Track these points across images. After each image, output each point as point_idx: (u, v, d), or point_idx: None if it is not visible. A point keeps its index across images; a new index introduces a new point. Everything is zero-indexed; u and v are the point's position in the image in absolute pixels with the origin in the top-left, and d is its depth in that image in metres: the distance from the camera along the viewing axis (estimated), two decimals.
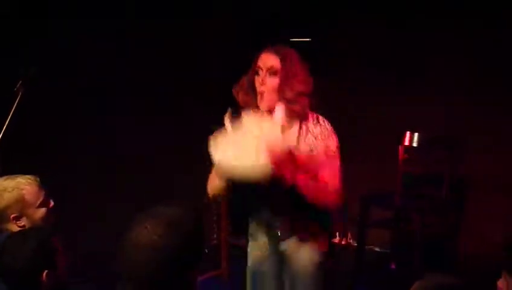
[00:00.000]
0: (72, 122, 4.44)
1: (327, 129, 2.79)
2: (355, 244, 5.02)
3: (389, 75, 4.99)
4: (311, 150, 2.73)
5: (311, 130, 2.77)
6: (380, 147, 4.96)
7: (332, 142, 2.78)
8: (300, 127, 2.76)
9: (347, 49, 5.16)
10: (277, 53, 2.72)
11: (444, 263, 4.53)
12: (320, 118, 2.81)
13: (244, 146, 2.51)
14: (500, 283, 2.17)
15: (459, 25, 4.66)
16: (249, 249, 2.99)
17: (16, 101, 3.46)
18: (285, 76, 2.69)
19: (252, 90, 2.76)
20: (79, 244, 2.67)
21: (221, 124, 2.70)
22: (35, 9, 4.22)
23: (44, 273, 2.27)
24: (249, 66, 2.81)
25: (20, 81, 3.49)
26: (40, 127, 4.22)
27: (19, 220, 2.66)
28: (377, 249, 4.99)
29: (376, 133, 5.02)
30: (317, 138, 2.75)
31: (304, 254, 2.83)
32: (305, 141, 2.74)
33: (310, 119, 2.79)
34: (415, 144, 4.62)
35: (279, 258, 2.87)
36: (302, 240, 2.82)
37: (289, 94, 2.69)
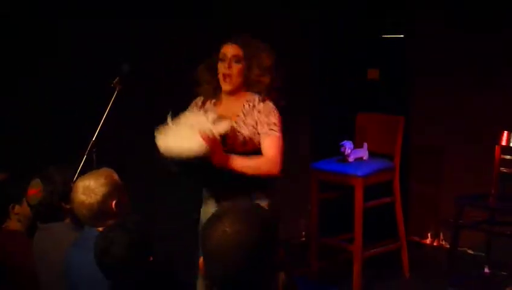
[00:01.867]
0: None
1: (269, 106, 3.27)
2: (448, 246, 4.91)
3: (485, 74, 4.85)
4: (256, 123, 3.23)
5: (255, 107, 3.27)
6: (476, 147, 4.83)
7: (274, 118, 3.25)
8: (248, 103, 3.28)
9: (439, 46, 5.05)
10: (237, 43, 3.26)
11: None
12: (267, 99, 3.30)
13: (181, 133, 3.00)
14: None
15: (475, 21, 4.51)
16: (201, 214, 3.38)
17: (113, 97, 3.57)
18: (247, 61, 3.25)
19: (214, 75, 3.29)
20: None
21: None
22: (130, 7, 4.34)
23: (151, 259, 2.34)
24: None
25: (118, 77, 3.59)
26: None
27: (119, 206, 2.73)
28: (470, 251, 4.86)
29: (472, 133, 4.89)
30: (261, 112, 3.25)
31: None
32: (251, 116, 3.24)
33: (257, 98, 3.30)
34: None
35: None
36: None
37: (252, 76, 3.26)
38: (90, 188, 2.70)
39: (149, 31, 4.77)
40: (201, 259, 1.71)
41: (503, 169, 4.47)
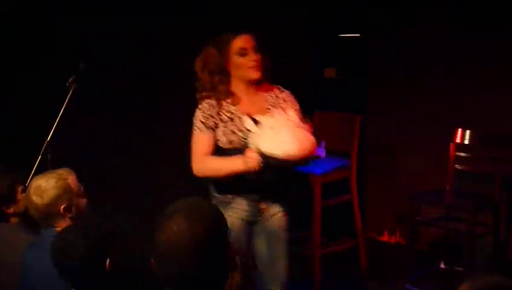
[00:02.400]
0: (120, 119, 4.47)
1: (290, 93, 3.33)
2: (405, 243, 4.98)
3: (438, 71, 4.92)
4: (285, 110, 3.16)
5: (279, 96, 3.28)
6: (432, 145, 4.90)
7: (297, 104, 3.30)
8: (270, 95, 3.27)
9: (395, 44, 5.11)
10: (251, 34, 3.22)
11: (495, 262, 4.45)
12: (281, 87, 3.33)
13: (282, 136, 2.93)
14: None
15: (475, 21, 4.57)
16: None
17: (68, 96, 3.51)
18: (262, 52, 3.20)
19: (224, 73, 3.20)
20: None
21: None
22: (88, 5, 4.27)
23: (108, 261, 2.31)
24: None
25: (73, 76, 3.54)
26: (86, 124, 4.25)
27: (69, 211, 2.71)
28: (427, 247, 4.92)
29: (427, 130, 4.96)
30: (286, 100, 3.27)
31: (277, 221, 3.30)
32: (277, 105, 3.22)
33: (276, 88, 3.31)
34: (466, 142, 4.55)
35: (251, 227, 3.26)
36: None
37: (266, 64, 3.22)
38: (40, 189, 2.69)
39: (149, 31, 4.71)
40: (152, 260, 1.72)
41: (457, 166, 4.55)
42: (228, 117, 3.16)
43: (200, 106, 3.20)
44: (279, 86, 3.33)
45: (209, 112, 3.16)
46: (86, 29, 4.38)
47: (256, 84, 3.23)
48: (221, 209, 3.05)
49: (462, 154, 4.56)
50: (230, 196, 3.19)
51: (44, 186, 2.69)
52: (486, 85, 4.70)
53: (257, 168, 2.96)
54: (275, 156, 2.89)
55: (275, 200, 3.26)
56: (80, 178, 2.82)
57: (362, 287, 4.64)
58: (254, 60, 3.16)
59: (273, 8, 5.11)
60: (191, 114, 3.19)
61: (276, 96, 3.28)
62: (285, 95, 3.30)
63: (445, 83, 4.89)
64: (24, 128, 4.11)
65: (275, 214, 3.28)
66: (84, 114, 4.10)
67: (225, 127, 3.14)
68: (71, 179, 2.76)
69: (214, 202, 3.19)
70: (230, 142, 3.12)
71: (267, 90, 3.28)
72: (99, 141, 4.34)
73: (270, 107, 3.21)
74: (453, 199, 4.50)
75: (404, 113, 5.11)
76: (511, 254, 4.63)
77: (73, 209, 2.73)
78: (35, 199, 2.68)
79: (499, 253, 4.49)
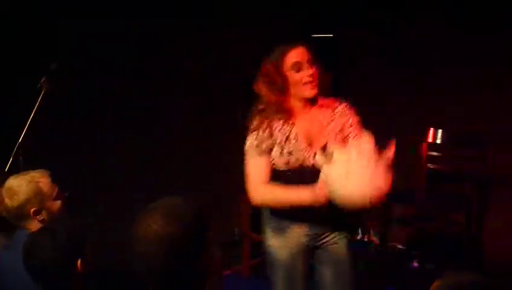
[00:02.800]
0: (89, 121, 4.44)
1: (350, 107, 3.10)
2: (378, 242, 5.01)
3: (410, 73, 4.96)
4: (344, 125, 3.03)
5: (341, 112, 3.06)
6: (404, 144, 4.93)
7: (356, 117, 3.10)
8: (328, 110, 3.04)
9: (367, 44, 5.14)
10: (305, 47, 2.98)
11: (467, 261, 4.49)
12: (341, 100, 3.10)
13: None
14: None
15: (475, 21, 4.62)
16: (274, 244, 3.10)
17: (40, 97, 3.48)
18: (317, 64, 2.98)
19: (282, 90, 2.95)
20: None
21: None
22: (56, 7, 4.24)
23: (79, 262, 2.29)
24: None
25: (44, 77, 3.51)
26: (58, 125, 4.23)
27: (39, 214, 2.70)
28: (399, 246, 4.96)
29: (399, 130, 4.99)
30: (350, 118, 3.07)
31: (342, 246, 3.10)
32: (338, 120, 3.03)
33: (335, 103, 3.07)
34: (438, 141, 4.59)
35: (312, 253, 3.08)
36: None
37: (323, 78, 2.99)
38: (11, 191, 2.68)
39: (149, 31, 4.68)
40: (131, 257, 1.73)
41: (429, 165, 4.59)
42: (284, 137, 2.95)
43: (252, 128, 2.99)
44: (339, 99, 3.09)
45: (263, 135, 2.95)
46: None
47: (314, 100, 3.01)
48: (277, 235, 3.03)
49: (434, 153, 4.60)
50: (288, 222, 3.02)
51: (15, 189, 2.68)
52: (458, 85, 4.75)
53: (325, 204, 2.78)
54: (343, 204, 2.72)
55: (337, 225, 3.07)
56: (54, 179, 2.80)
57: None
58: (309, 75, 2.93)
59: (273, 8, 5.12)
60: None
61: (338, 112, 3.05)
62: (345, 109, 3.07)
63: (417, 82, 4.93)
64: None
65: (337, 238, 3.09)
66: (58, 115, 4.07)
67: (281, 148, 2.95)
68: (44, 181, 2.73)
69: (268, 227, 3.09)
70: (287, 163, 2.94)
71: (326, 106, 3.05)
72: (74, 141, 4.31)
73: (327, 123, 3.01)
74: (425, 197, 4.54)
75: (377, 112, 5.13)
76: (483, 252, 4.68)
77: (44, 212, 2.71)
78: (6, 200, 2.68)
79: (471, 251, 4.54)
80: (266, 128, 2.96)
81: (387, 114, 5.05)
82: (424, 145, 4.60)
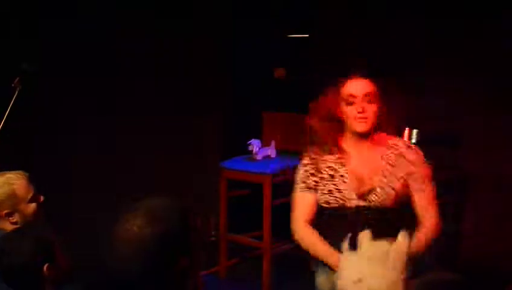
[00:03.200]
0: (67, 121, 4.40)
1: (420, 155, 2.85)
2: None
3: (387, 72, 4.98)
4: (407, 175, 2.78)
5: (401, 153, 2.82)
6: None
7: (426, 168, 2.83)
8: (392, 152, 2.82)
9: (342, 44, 5.16)
10: (369, 80, 2.78)
11: (445, 261, 4.53)
12: (405, 141, 2.91)
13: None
14: None
15: (456, 22, 4.66)
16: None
17: (14, 98, 3.44)
18: (382, 103, 2.76)
19: (336, 122, 2.80)
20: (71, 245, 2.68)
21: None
22: (33, 6, 4.19)
23: (45, 267, 2.27)
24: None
25: (18, 78, 3.46)
26: (34, 124, 4.18)
27: (12, 216, 2.68)
28: None
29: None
30: (413, 163, 2.80)
31: None
32: (400, 167, 2.79)
33: (401, 143, 2.85)
34: (413, 141, 4.62)
35: None
36: None
37: (384, 116, 2.77)
38: None
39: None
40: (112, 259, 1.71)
41: None
42: (329, 174, 2.80)
43: (303, 162, 2.88)
44: (403, 140, 2.92)
45: (310, 170, 2.83)
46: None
47: (372, 138, 2.80)
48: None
49: None
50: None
51: None
52: (431, 85, 4.79)
53: None
54: None
55: None
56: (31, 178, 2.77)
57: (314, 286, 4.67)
58: (361, 111, 2.72)
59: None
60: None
61: (401, 153, 2.81)
62: (413, 156, 2.81)
63: (387, 82, 4.95)
64: None
65: None
66: (32, 115, 4.02)
67: (324, 185, 2.80)
68: (19, 184, 2.70)
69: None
70: (327, 203, 2.78)
71: (387, 145, 2.83)
72: (47, 143, 4.26)
73: (387, 166, 2.78)
74: None
75: None
76: (460, 252, 4.73)
77: (16, 214, 2.69)
78: None
79: (448, 251, 4.58)
80: (315, 164, 2.83)
81: None
82: None
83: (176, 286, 1.69)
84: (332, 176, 2.79)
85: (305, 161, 2.87)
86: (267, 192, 4.35)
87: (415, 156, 2.81)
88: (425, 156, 2.85)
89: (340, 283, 2.28)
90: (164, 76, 4.80)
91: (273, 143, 4.65)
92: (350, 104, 2.74)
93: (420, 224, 2.78)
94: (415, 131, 4.60)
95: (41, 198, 2.78)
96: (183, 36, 4.90)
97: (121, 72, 4.50)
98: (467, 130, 4.57)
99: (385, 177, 2.76)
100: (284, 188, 4.54)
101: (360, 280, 2.19)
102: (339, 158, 2.81)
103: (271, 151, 4.63)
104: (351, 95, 2.75)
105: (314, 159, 2.84)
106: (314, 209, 2.83)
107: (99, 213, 4.24)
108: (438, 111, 4.73)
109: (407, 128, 4.60)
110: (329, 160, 2.82)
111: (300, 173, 2.87)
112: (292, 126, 4.65)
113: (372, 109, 2.73)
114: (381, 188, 2.75)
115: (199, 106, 5.03)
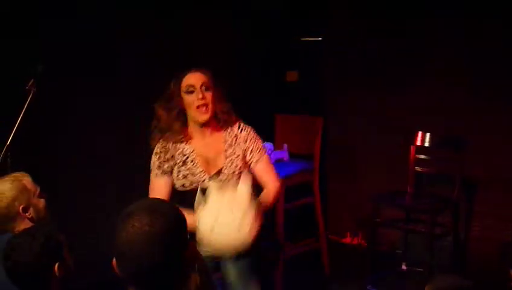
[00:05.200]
0: (67, 121, 4.41)
1: (252, 132, 3.22)
2: (366, 244, 5.02)
3: (400, 76, 4.98)
4: (243, 153, 3.15)
5: (236, 135, 3.18)
6: (391, 147, 4.95)
7: (259, 142, 3.23)
8: (229, 135, 3.17)
9: (355, 48, 5.16)
10: (203, 72, 3.12)
11: (455, 263, 4.51)
12: (242, 124, 3.22)
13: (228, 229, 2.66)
14: None
15: (462, 24, 4.64)
16: None
17: (28, 100, 3.45)
18: (215, 90, 3.11)
19: (181, 111, 3.11)
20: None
21: None
22: (36, 7, 4.20)
23: (56, 266, 2.29)
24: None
25: (32, 80, 3.48)
26: (44, 126, 4.20)
27: (28, 211, 2.72)
28: (388, 249, 4.97)
29: (386, 133, 5.01)
30: (246, 140, 3.18)
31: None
32: (238, 146, 3.16)
33: (235, 126, 3.20)
34: (426, 144, 4.61)
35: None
36: None
37: (221, 105, 3.14)
38: None
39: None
40: (114, 260, 1.73)
41: (417, 168, 4.61)
42: (182, 161, 3.10)
43: (156, 150, 3.13)
44: (241, 121, 3.23)
45: (164, 156, 3.11)
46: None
47: (213, 124, 3.15)
48: None
49: (422, 156, 4.62)
50: None
51: (1, 190, 2.68)
52: (441, 88, 4.78)
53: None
54: (211, 251, 2.68)
55: None
56: (38, 181, 2.81)
57: (324, 289, 4.67)
58: (201, 99, 3.05)
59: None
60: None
61: (235, 135, 3.18)
62: (245, 133, 3.20)
63: (405, 86, 4.95)
64: None
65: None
66: (46, 117, 4.04)
67: (178, 170, 3.10)
68: (26, 180, 2.77)
69: None
70: (183, 185, 3.09)
71: (224, 130, 3.18)
72: (60, 144, 4.28)
73: (228, 148, 3.14)
74: (413, 200, 4.56)
75: (365, 116, 5.16)
76: (471, 255, 4.71)
77: (31, 209, 2.73)
78: None
79: (459, 254, 4.56)
80: (167, 151, 3.10)
81: (378, 117, 5.08)
82: (413, 148, 4.62)
83: (176, 284, 1.73)
84: (184, 162, 3.10)
85: (157, 149, 3.12)
86: (280, 196, 4.35)
87: (245, 134, 3.19)
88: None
89: (197, 235, 2.64)
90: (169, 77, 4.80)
91: (285, 146, 4.65)
92: (190, 93, 3.07)
93: (264, 188, 3.16)
94: (427, 134, 4.60)
95: (45, 197, 2.82)
96: (199, 33, 4.89)
97: (121, 72, 4.51)
98: (478, 132, 4.55)
99: (227, 157, 3.12)
100: (297, 191, 4.55)
101: (213, 228, 2.62)
102: (186, 144, 3.12)
103: (284, 154, 4.63)
104: (191, 85, 3.08)
105: (165, 146, 3.11)
106: (169, 192, 3.11)
107: (99, 213, 4.29)
108: (448, 113, 4.71)
109: (419, 132, 4.59)
110: (179, 147, 3.11)
111: (155, 161, 3.12)
112: (304, 129, 4.64)
113: (209, 95, 3.07)
114: (227, 167, 3.10)
115: None
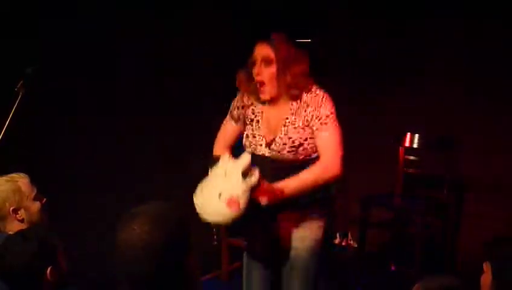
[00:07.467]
0: (66, 121, 4.40)
1: (320, 96, 2.89)
2: (356, 245, 5.03)
3: (388, 77, 4.99)
4: (308, 121, 2.87)
5: (304, 101, 2.90)
6: (380, 148, 4.96)
7: (325, 109, 2.88)
8: (296, 102, 2.91)
9: (345, 49, 5.17)
10: (269, 43, 2.86)
11: (444, 264, 4.53)
12: (314, 87, 2.92)
13: (210, 207, 2.70)
14: (483, 278, 2.19)
15: (456, 24, 4.66)
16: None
17: (17, 101, 3.44)
18: (281, 63, 2.84)
19: (252, 81, 2.92)
20: (74, 245, 2.68)
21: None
22: (34, 7, 4.19)
23: (49, 270, 2.28)
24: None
25: (21, 81, 3.47)
26: (37, 127, 4.18)
27: (18, 213, 2.71)
28: (377, 250, 4.99)
29: (375, 134, 5.02)
30: (310, 106, 2.87)
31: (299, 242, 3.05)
32: (300, 114, 2.89)
33: (305, 91, 2.92)
34: (415, 145, 4.62)
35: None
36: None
37: (288, 80, 2.86)
38: None
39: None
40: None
41: (407, 169, 4.62)
42: (250, 118, 3.02)
43: (236, 98, 3.09)
44: (314, 86, 2.92)
45: (238, 104, 3.06)
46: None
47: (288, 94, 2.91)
48: None
49: (411, 157, 4.64)
50: None
51: None
52: (441, 88, 4.80)
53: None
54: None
55: None
56: (37, 181, 2.81)
57: None
58: (256, 74, 2.87)
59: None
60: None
61: (304, 101, 2.89)
62: (311, 97, 2.88)
63: (394, 87, 4.97)
64: None
65: None
66: (46, 117, 4.04)
67: (246, 127, 3.03)
68: (22, 182, 2.75)
69: None
70: (245, 145, 3.03)
71: (294, 95, 2.90)
72: (51, 144, 4.27)
73: (289, 116, 2.90)
74: (402, 201, 4.57)
75: (353, 117, 5.16)
76: (460, 255, 4.73)
77: (22, 211, 2.72)
78: None
79: (449, 254, 4.58)
80: (245, 101, 3.02)
81: (366, 117, 5.08)
82: (401, 150, 4.63)
83: (185, 284, 1.72)
84: (251, 120, 3.01)
85: (237, 97, 3.07)
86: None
87: (310, 98, 2.89)
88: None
89: (202, 199, 2.70)
90: (169, 76, 4.80)
91: None
92: (254, 65, 2.89)
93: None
94: (416, 135, 4.61)
95: (44, 200, 2.80)
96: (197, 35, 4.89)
97: (121, 72, 4.50)
98: (466, 133, 4.57)
99: (284, 126, 2.90)
100: None
101: (220, 194, 2.64)
102: (259, 104, 2.98)
103: None
104: (254, 58, 2.89)
105: (242, 97, 3.03)
106: (234, 139, 3.12)
107: (99, 213, 4.28)
108: (436, 115, 4.73)
109: (408, 133, 4.61)
110: (253, 104, 3.00)
111: (232, 104, 3.09)
112: None
113: (268, 72, 2.85)
114: (280, 138, 2.90)
115: (208, 107, 5.02)
